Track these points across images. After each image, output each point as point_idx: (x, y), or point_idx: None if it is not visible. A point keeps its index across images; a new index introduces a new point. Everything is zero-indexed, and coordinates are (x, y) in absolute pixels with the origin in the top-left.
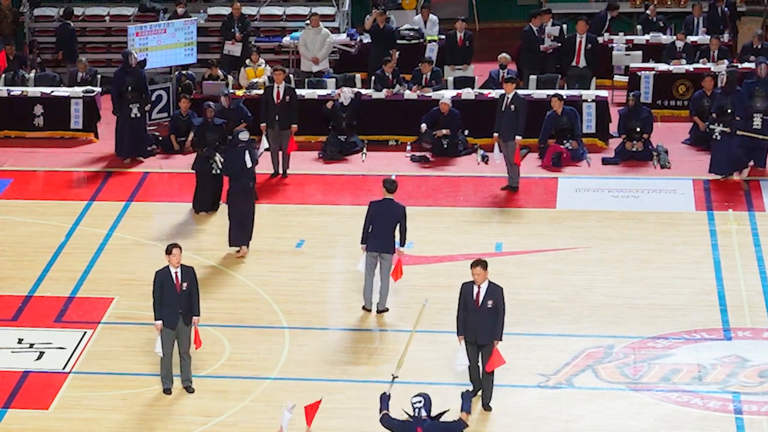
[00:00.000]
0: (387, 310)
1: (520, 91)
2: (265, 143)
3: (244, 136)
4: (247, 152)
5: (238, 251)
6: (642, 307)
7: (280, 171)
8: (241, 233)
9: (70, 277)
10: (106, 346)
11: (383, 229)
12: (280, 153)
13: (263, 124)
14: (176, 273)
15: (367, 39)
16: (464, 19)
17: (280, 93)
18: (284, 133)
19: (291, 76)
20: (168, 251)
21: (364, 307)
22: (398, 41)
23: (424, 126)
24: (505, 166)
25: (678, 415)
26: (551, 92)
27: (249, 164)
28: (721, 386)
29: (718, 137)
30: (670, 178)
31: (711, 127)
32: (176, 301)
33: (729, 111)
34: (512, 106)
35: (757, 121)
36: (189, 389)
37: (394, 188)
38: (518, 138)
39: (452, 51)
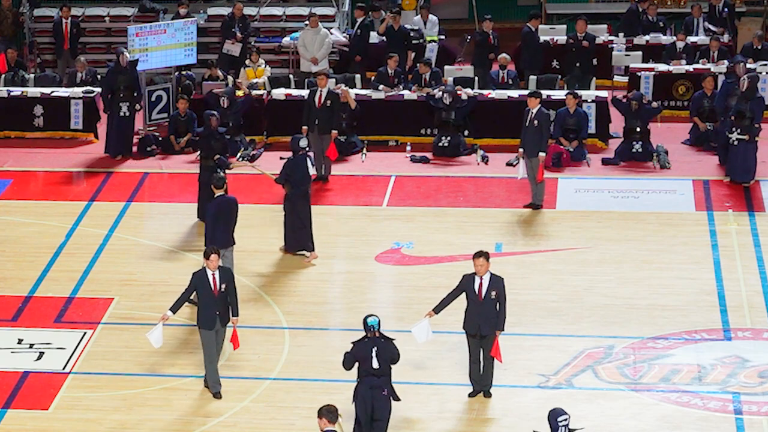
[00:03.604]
0: None
1: (519, 93)
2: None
3: (303, 142)
4: (308, 159)
5: (308, 257)
6: (642, 308)
7: (323, 173)
8: (307, 238)
9: (70, 278)
10: (106, 347)
11: (226, 225)
12: (323, 157)
13: (305, 127)
14: (213, 275)
15: (369, 40)
16: (490, 19)
17: (322, 97)
18: (324, 137)
19: (291, 76)
20: (206, 256)
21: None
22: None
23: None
24: (529, 182)
25: (678, 416)
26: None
27: (312, 171)
28: (721, 386)
29: (735, 143)
30: (670, 179)
31: (728, 134)
32: (213, 303)
33: (749, 117)
34: (536, 122)
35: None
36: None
37: (222, 184)
38: (542, 155)
39: (484, 51)
